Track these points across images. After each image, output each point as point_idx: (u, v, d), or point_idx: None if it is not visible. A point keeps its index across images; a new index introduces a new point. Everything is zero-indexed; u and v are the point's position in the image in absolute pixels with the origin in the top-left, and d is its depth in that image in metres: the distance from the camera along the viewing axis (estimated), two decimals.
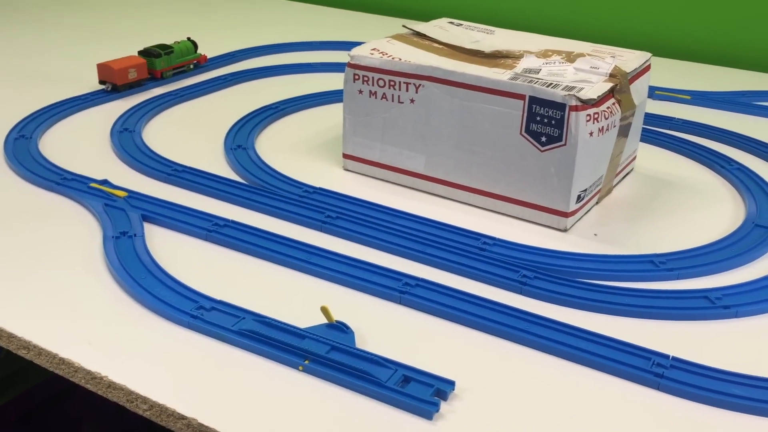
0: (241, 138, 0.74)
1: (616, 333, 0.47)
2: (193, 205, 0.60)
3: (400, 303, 0.50)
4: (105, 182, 0.63)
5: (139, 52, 0.87)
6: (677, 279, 0.53)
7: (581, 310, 0.50)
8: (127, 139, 0.72)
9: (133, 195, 0.61)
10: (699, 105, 0.88)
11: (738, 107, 0.87)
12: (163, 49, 0.88)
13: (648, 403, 0.42)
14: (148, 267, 0.52)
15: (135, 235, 0.55)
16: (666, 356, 0.45)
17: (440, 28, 0.72)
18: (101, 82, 0.84)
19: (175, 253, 0.55)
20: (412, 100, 0.63)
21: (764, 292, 0.51)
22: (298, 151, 0.73)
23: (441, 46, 0.67)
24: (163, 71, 0.88)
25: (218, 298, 0.49)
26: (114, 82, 0.83)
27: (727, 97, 0.90)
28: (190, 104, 0.84)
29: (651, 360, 0.44)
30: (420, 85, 0.62)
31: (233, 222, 0.58)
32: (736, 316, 0.49)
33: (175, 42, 0.91)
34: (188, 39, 0.92)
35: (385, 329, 0.47)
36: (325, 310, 0.47)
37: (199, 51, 0.93)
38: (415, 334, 0.47)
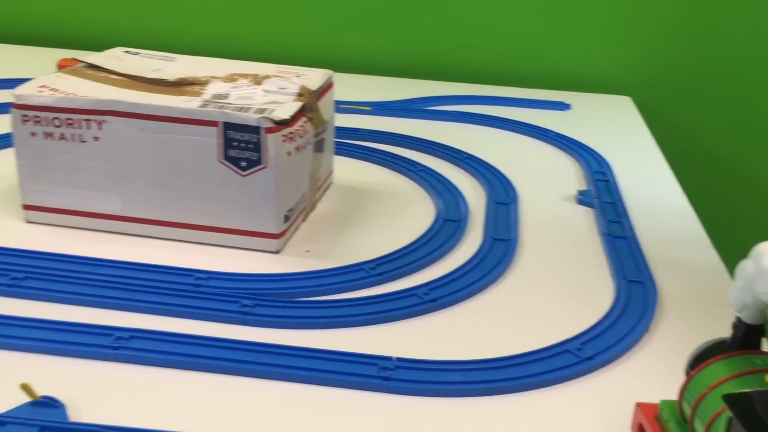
0: None
1: (342, 346, 0.48)
2: None
3: (114, 360, 0.46)
4: None
5: None
6: (389, 282, 0.56)
7: (306, 329, 0.50)
8: None
9: None
10: (380, 114, 0.94)
11: (413, 113, 0.95)
12: None
13: (382, 407, 0.43)
14: None
15: None
16: (390, 358, 0.47)
17: (116, 59, 0.67)
18: None
19: None
20: (96, 138, 0.58)
21: (459, 282, 0.56)
22: None
23: (120, 78, 0.63)
24: None
25: None
26: None
27: (402, 104, 0.97)
28: None
29: (377, 365, 0.46)
30: (103, 121, 0.58)
31: None
32: (442, 308, 0.53)
33: None
34: None
35: (102, 393, 0.43)
36: (25, 387, 0.41)
37: None
38: (138, 391, 0.43)
